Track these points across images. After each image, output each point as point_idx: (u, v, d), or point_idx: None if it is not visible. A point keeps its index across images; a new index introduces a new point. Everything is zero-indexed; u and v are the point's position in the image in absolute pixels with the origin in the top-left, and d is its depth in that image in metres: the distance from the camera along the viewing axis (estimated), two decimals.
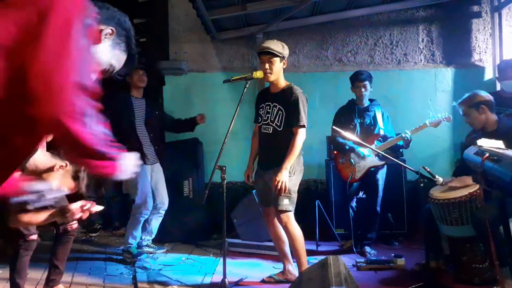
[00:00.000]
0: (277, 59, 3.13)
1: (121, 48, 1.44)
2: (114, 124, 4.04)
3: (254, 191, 4.24)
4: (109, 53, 1.41)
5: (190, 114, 4.45)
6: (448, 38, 4.99)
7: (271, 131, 3.20)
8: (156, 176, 4.08)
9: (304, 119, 3.13)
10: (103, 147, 1.18)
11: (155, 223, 4.13)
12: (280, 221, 3.17)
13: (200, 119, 4.28)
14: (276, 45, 3.15)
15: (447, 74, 4.98)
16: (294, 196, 3.16)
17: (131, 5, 5.28)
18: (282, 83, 3.24)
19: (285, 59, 3.19)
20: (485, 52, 4.96)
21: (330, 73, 4.99)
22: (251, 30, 4.87)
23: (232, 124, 3.06)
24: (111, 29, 1.40)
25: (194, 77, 5.07)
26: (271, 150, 3.22)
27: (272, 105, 3.21)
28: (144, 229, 4.09)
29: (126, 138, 3.85)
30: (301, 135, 3.13)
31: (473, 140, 2.77)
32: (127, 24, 1.46)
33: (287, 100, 3.16)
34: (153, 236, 4.17)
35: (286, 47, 3.21)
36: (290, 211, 3.14)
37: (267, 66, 3.14)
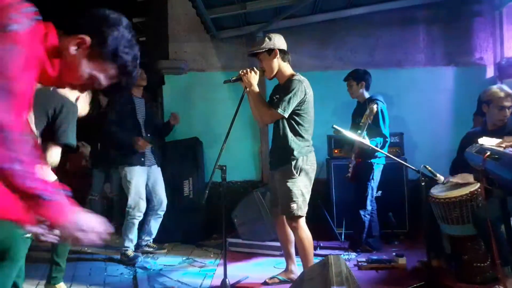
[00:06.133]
0: (264, 55, 3.06)
1: (104, 58, 1.31)
2: (119, 125, 4.03)
3: (255, 190, 4.24)
4: (86, 64, 1.30)
5: (190, 113, 4.45)
6: (448, 37, 4.98)
7: (276, 126, 3.13)
8: (154, 177, 4.06)
9: (282, 105, 2.96)
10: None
11: (154, 224, 4.12)
12: (290, 227, 3.11)
13: (173, 120, 4.20)
14: (258, 43, 3.10)
15: (448, 73, 4.97)
16: (302, 198, 3.03)
17: (131, 4, 5.27)
18: (287, 74, 3.12)
19: (274, 49, 3.04)
20: (486, 51, 4.95)
21: (330, 72, 4.98)
22: (251, 28, 4.86)
23: (232, 124, 3.05)
24: (84, 38, 1.28)
25: (194, 77, 5.06)
26: (275, 146, 3.17)
27: (277, 97, 3.13)
28: (143, 230, 4.08)
29: (130, 139, 3.84)
30: (271, 116, 3.02)
31: (473, 138, 2.76)
32: (114, 32, 1.30)
33: (283, 89, 3.06)
34: (153, 236, 4.16)
35: (270, 37, 3.06)
36: (299, 215, 3.03)
37: (260, 65, 3.11)
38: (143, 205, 3.94)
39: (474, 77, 4.85)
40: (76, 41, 1.28)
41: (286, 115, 3.01)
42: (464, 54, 4.96)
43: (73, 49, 1.28)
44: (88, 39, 1.28)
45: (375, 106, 3.59)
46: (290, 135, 3.05)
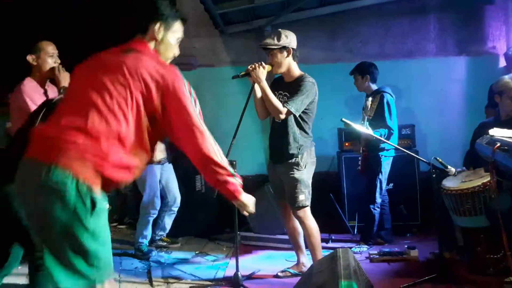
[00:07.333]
0: (276, 51, 3.10)
1: (173, 24, 1.83)
2: None
3: (266, 184, 4.26)
4: (165, 45, 1.84)
5: (200, 109, 4.47)
6: (460, 26, 4.90)
7: (281, 122, 3.17)
8: (167, 174, 4.10)
9: (295, 105, 3.04)
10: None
11: (168, 220, 4.17)
12: (297, 217, 3.18)
13: None
14: (272, 38, 3.12)
15: (459, 63, 4.90)
16: (308, 189, 3.15)
17: (139, 0, 5.31)
18: (296, 73, 3.19)
19: (288, 48, 3.10)
20: (499, 39, 4.86)
21: (340, 64, 4.94)
22: (259, 23, 4.85)
23: (241, 119, 3.07)
24: (159, 23, 1.78)
25: (204, 72, 5.08)
26: (280, 140, 3.19)
27: (283, 94, 3.18)
28: (157, 225, 4.14)
29: None
30: (285, 114, 3.06)
31: (487, 129, 2.73)
32: (167, 8, 1.81)
33: (296, 89, 3.11)
34: (167, 231, 4.21)
35: (287, 35, 3.11)
36: (306, 206, 3.13)
37: (270, 59, 3.15)
38: (157, 203, 3.99)
39: (486, 67, 4.78)
40: (152, 35, 1.81)
41: (298, 114, 3.09)
42: (476, 43, 4.87)
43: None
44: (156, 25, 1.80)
45: (369, 100, 3.63)
46: (298, 131, 3.15)
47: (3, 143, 4.98)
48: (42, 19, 4.98)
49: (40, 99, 2.73)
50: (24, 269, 3.08)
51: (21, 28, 4.89)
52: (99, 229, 1.56)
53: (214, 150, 1.71)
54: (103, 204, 1.60)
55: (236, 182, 1.76)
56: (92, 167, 1.53)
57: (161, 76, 1.66)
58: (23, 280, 3.15)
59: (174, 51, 1.90)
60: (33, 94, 2.72)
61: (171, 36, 1.85)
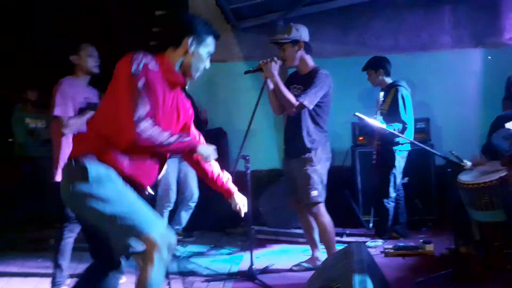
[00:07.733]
0: (287, 45, 3.09)
1: (206, 39, 1.94)
2: None
3: (281, 178, 4.26)
4: (196, 57, 1.94)
5: (213, 104, 4.51)
6: (476, 17, 4.81)
7: (295, 116, 3.16)
8: (186, 168, 4.13)
9: (309, 98, 3.02)
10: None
11: (184, 215, 4.21)
12: (310, 213, 3.17)
13: (201, 115, 4.25)
14: (282, 33, 3.12)
15: (475, 55, 4.81)
16: (321, 185, 3.12)
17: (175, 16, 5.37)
18: (309, 66, 3.18)
19: (299, 41, 3.08)
20: None
21: (353, 58, 4.90)
22: (271, 17, 4.83)
23: (254, 114, 3.08)
24: (190, 38, 1.89)
25: (216, 67, 5.03)
26: (294, 135, 3.18)
27: (297, 87, 3.18)
28: (173, 219, 4.19)
29: None
30: (297, 107, 3.04)
31: (504, 122, 2.69)
32: (201, 24, 1.93)
33: (310, 82, 3.09)
34: (183, 226, 4.26)
35: (297, 29, 3.10)
36: (320, 202, 3.12)
37: (281, 54, 3.14)
38: (172, 196, 4.04)
39: (504, 59, 4.67)
40: (184, 48, 1.92)
41: (311, 108, 3.07)
42: (493, 34, 4.78)
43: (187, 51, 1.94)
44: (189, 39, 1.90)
45: (381, 95, 3.63)
46: (312, 126, 3.12)
47: (23, 138, 5.10)
48: (42, 19, 5.03)
49: (76, 97, 2.98)
50: (45, 261, 3.15)
51: (21, 28, 4.96)
52: (108, 194, 1.72)
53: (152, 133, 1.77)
54: (104, 171, 1.75)
55: (184, 140, 1.90)
56: (88, 148, 1.78)
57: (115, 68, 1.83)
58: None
59: (205, 64, 2.02)
60: (66, 93, 2.97)
61: (203, 50, 1.97)
